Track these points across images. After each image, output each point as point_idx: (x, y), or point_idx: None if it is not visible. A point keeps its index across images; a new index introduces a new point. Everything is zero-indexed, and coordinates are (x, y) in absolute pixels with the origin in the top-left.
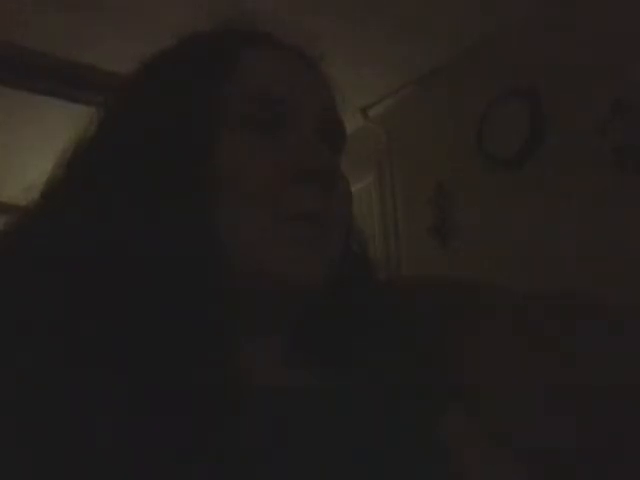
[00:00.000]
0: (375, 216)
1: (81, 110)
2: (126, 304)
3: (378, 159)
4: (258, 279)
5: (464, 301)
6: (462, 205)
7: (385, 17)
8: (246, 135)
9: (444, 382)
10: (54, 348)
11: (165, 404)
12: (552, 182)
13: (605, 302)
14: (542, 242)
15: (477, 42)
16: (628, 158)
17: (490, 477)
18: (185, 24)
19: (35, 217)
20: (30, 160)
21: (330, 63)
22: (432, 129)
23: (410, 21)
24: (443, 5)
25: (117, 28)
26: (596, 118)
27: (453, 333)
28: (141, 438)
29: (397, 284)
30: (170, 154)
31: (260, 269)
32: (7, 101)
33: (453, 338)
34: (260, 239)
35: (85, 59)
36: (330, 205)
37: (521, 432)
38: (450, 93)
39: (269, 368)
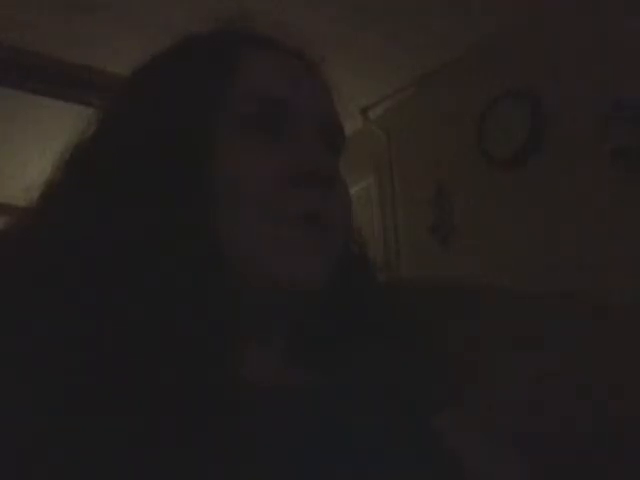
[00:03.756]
0: (375, 216)
1: (81, 110)
2: (126, 304)
3: (378, 160)
4: (258, 280)
5: (464, 301)
6: (462, 205)
7: (385, 18)
8: (246, 136)
9: (444, 382)
10: (53, 349)
11: (165, 404)
12: (552, 182)
13: (605, 302)
14: (542, 242)
15: (477, 42)
16: (628, 158)
17: (490, 477)
18: (185, 24)
19: (35, 218)
20: (30, 160)
21: (330, 64)
22: (432, 129)
23: (410, 22)
24: (443, 6)
25: (117, 28)
26: (596, 118)
27: (453, 333)
28: (140, 438)
29: (397, 284)
30: (170, 155)
31: (260, 270)
32: (7, 101)
33: (453, 338)
34: (260, 240)
35: (84, 59)
36: (330, 206)
37: (521, 431)
38: (450, 93)
39: (269, 368)
